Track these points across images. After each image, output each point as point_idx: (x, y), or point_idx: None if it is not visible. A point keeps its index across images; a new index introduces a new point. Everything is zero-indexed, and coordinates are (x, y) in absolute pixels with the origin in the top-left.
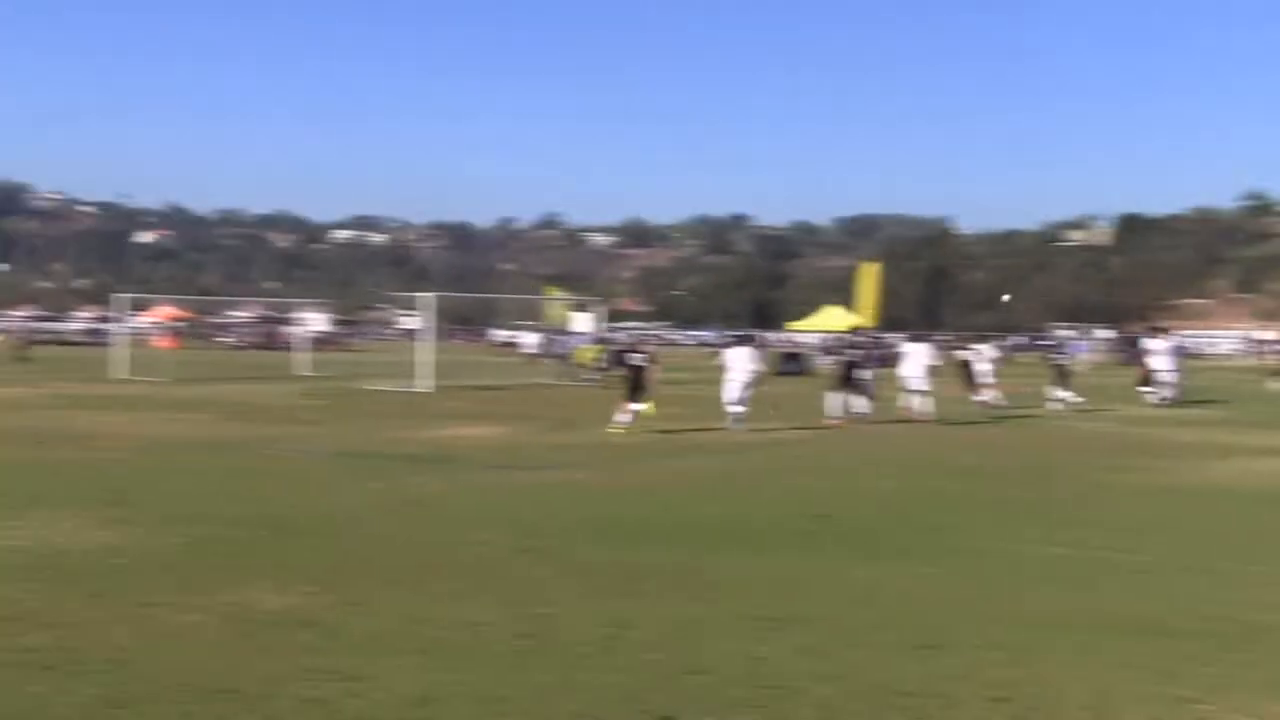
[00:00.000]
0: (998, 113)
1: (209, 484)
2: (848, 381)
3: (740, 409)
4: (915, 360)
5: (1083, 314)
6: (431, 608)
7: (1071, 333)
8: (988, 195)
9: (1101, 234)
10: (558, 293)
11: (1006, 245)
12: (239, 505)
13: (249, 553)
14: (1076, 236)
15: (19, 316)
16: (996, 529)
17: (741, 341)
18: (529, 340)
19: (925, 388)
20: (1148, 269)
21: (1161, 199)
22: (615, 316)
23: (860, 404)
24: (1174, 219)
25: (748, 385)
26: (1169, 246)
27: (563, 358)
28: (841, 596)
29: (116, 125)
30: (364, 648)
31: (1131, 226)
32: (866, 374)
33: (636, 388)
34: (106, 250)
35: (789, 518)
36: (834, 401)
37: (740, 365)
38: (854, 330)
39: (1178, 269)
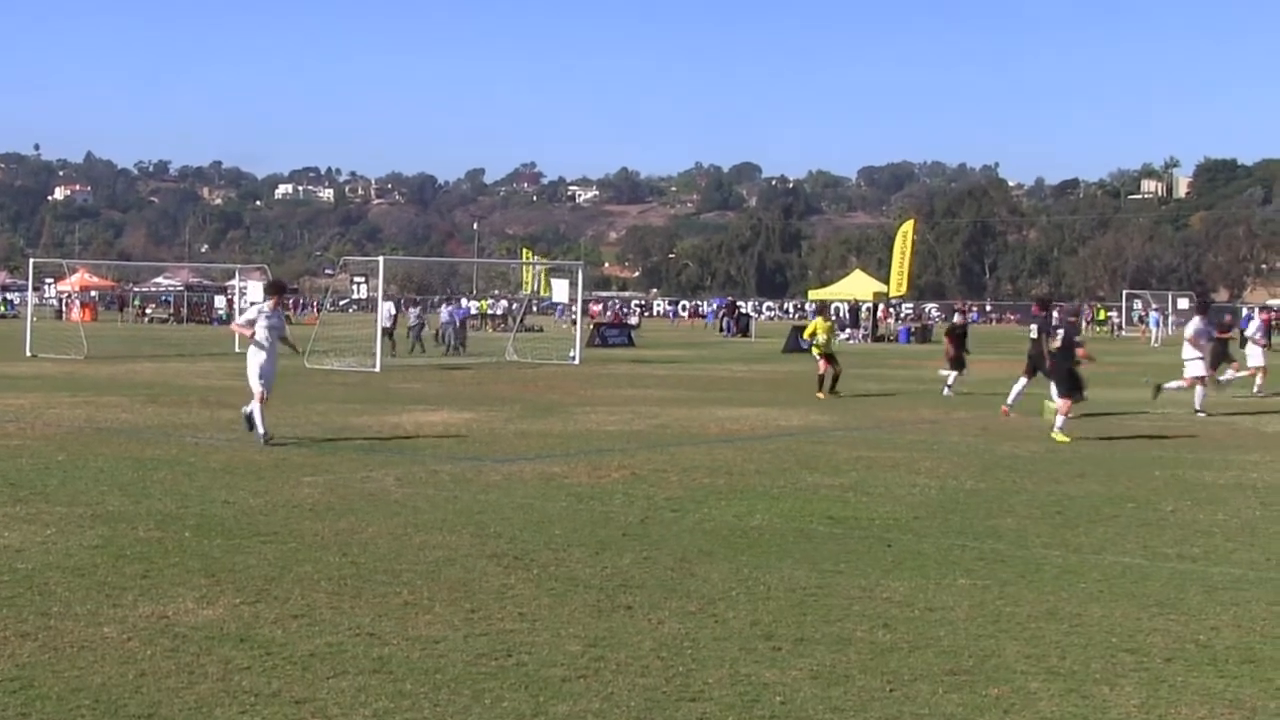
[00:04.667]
0: (1054, 45)
1: (126, 478)
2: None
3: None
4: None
5: (1156, 279)
6: (383, 622)
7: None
8: (1042, 141)
9: (1179, 184)
10: (531, 256)
11: (1065, 199)
12: (160, 502)
13: (171, 557)
14: (1149, 188)
15: None
16: (1054, 534)
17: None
18: (383, 312)
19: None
20: (1235, 225)
21: (1248, 143)
22: (599, 283)
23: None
24: (1266, 165)
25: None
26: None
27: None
28: (862, 613)
29: (28, 68)
30: (305, 667)
31: (1214, 175)
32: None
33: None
34: (15, 209)
35: (800, 519)
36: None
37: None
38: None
39: (1273, 225)
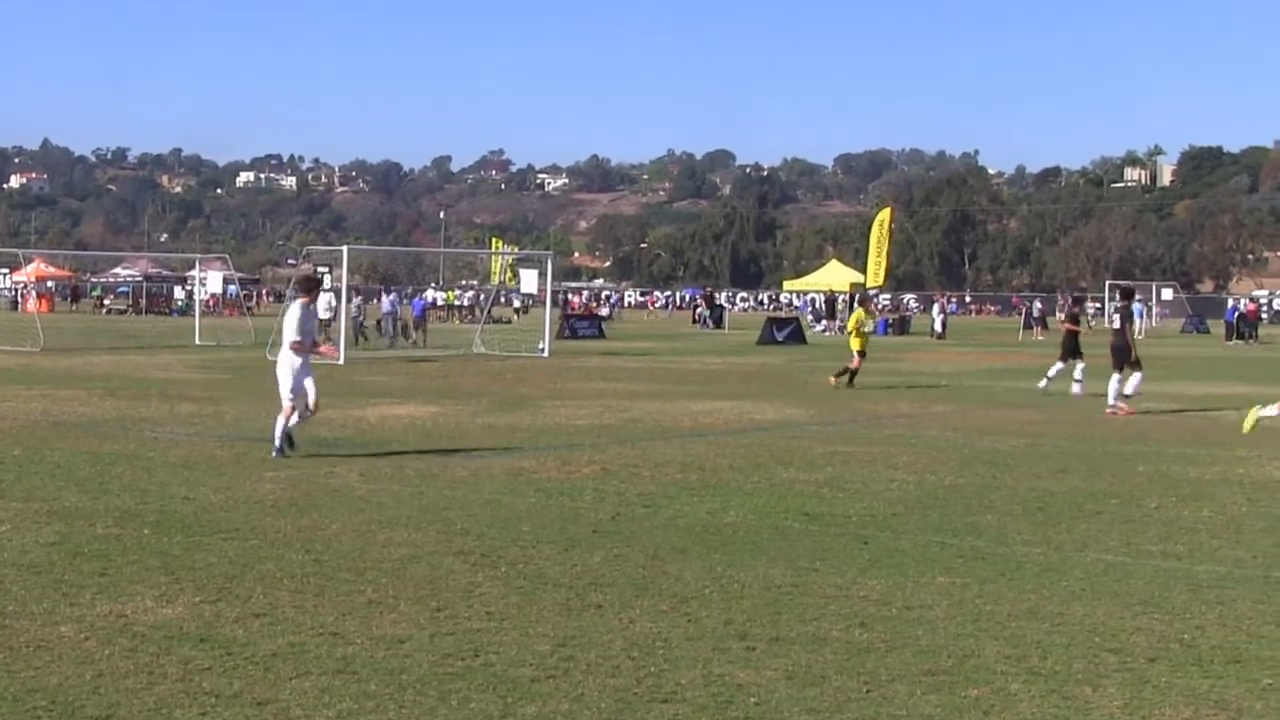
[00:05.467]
0: (1036, 30)
1: (84, 473)
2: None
3: None
4: None
5: (1140, 270)
6: (347, 621)
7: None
8: (1023, 128)
9: (1163, 172)
10: (501, 245)
11: (1046, 187)
12: (119, 498)
13: (130, 554)
14: (1133, 176)
15: None
16: (1035, 531)
17: None
18: (322, 303)
19: None
20: (1221, 214)
21: (1233, 131)
22: (569, 274)
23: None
24: (1252, 152)
25: None
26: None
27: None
28: (838, 612)
29: None
30: (267, 668)
31: (1199, 163)
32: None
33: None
34: None
35: (775, 515)
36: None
37: None
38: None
39: (1260, 214)
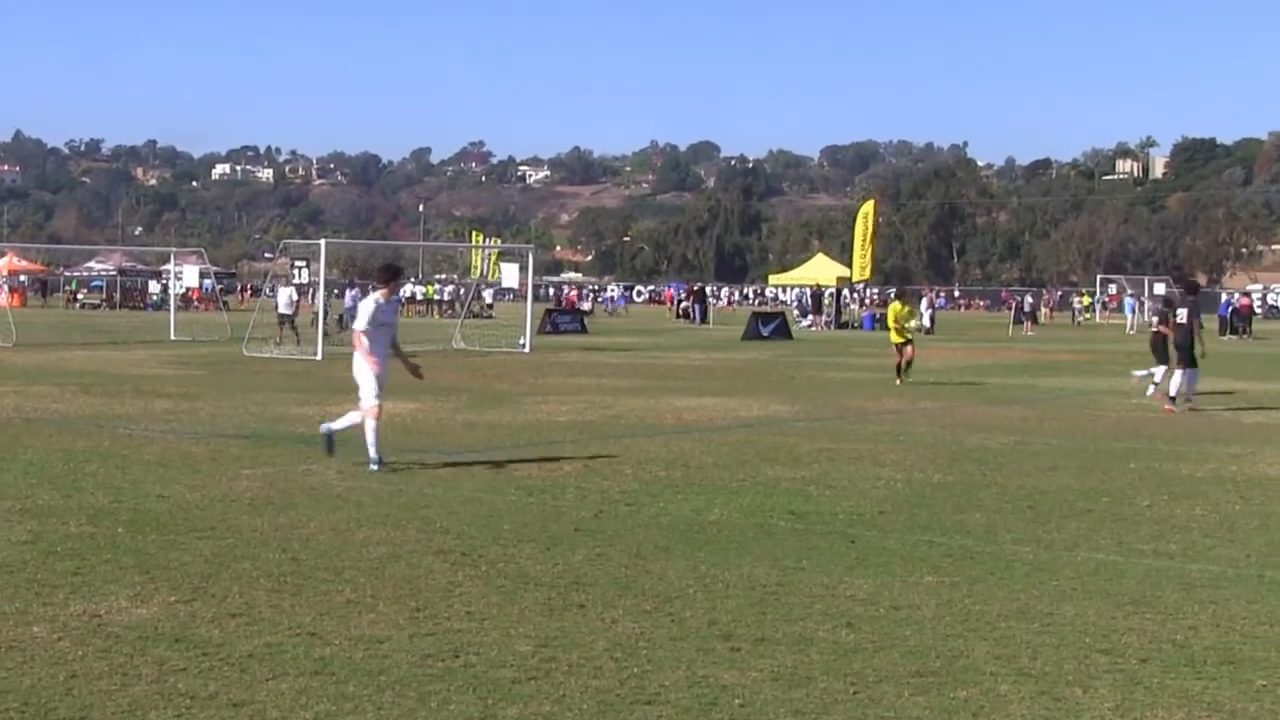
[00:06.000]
0: (1026, 19)
1: (57, 470)
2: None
3: None
4: None
5: (1131, 264)
6: (325, 621)
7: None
8: (1013, 119)
9: (1155, 164)
10: (481, 239)
11: (1036, 180)
12: (93, 496)
13: (104, 553)
14: (1124, 168)
15: None
16: (1025, 529)
17: None
18: (282, 298)
19: None
20: (1214, 207)
21: (1227, 122)
22: (550, 268)
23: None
24: (1246, 144)
25: None
26: (1240, 179)
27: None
28: (825, 612)
29: None
30: (243, 669)
31: (1192, 155)
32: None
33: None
34: None
35: (760, 513)
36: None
37: None
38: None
39: (1254, 207)
